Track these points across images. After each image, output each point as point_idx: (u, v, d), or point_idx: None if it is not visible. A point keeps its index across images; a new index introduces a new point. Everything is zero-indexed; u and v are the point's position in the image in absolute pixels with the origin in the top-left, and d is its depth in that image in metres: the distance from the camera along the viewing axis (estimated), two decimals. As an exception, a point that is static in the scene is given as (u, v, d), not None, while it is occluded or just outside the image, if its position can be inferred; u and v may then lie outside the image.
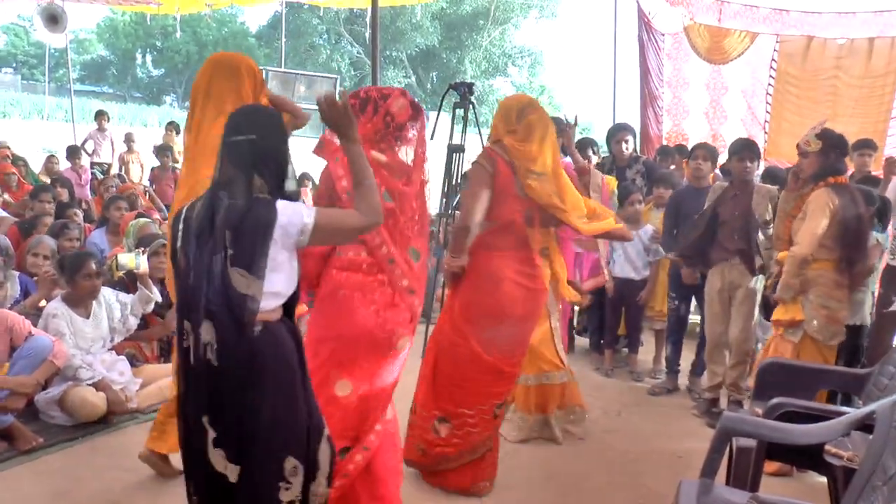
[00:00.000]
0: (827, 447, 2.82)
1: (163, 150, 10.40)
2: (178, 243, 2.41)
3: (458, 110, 5.96)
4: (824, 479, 3.14)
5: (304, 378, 2.45)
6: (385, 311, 2.86)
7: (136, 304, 4.68)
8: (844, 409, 3.23)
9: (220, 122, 2.58)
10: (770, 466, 3.91)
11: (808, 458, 2.97)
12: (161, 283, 5.03)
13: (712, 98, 9.76)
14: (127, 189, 7.68)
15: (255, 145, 2.34)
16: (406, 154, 2.96)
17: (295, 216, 2.32)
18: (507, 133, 3.53)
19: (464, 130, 5.95)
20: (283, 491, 2.36)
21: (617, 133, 6.58)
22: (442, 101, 6.08)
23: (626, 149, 6.44)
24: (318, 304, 2.95)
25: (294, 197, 2.40)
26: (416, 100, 3.00)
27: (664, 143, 9.36)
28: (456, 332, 3.56)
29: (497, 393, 3.60)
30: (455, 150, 6.00)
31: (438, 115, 6.21)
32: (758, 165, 5.00)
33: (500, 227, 3.51)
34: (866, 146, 6.32)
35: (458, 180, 6.72)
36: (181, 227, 2.41)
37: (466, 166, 7.71)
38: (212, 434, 2.34)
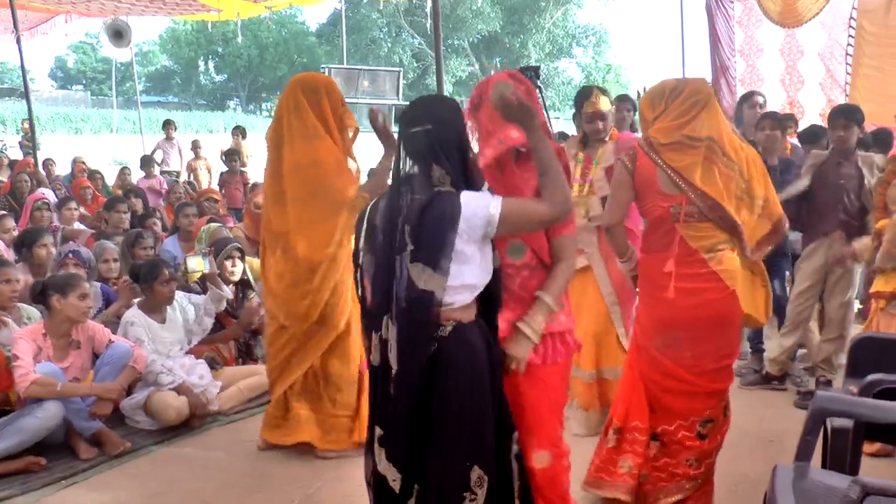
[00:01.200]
0: (930, 424, 2.70)
1: (230, 155, 10.65)
2: (361, 243, 2.46)
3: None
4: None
5: (496, 383, 2.39)
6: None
7: (209, 303, 4.81)
8: (949, 384, 3.07)
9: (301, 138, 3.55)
10: (870, 447, 3.79)
11: (911, 437, 2.85)
12: (237, 285, 5.17)
13: (787, 63, 9.44)
14: (205, 195, 7.85)
15: (431, 135, 2.33)
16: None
17: (480, 208, 2.29)
18: (653, 121, 3.17)
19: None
20: (467, 502, 2.31)
21: (749, 98, 6.15)
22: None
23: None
24: None
25: (478, 187, 2.39)
26: (519, 69, 2.70)
27: (739, 112, 9.11)
28: (640, 341, 3.30)
29: (695, 405, 3.20)
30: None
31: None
32: (860, 131, 4.79)
33: (651, 225, 3.22)
34: None
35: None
36: (364, 227, 2.45)
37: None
38: (378, 432, 2.37)
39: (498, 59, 45.71)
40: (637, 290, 3.43)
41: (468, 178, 2.37)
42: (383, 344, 2.33)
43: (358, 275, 2.49)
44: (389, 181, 2.49)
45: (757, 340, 5.44)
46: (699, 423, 3.20)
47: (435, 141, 2.33)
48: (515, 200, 2.37)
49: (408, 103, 2.54)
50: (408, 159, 2.37)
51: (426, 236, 2.25)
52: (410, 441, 2.31)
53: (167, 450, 4.17)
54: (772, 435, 4.24)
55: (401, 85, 14.29)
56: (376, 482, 2.40)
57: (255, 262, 5.72)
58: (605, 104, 4.21)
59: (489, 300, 2.40)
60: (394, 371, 2.30)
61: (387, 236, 2.33)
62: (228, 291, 5.01)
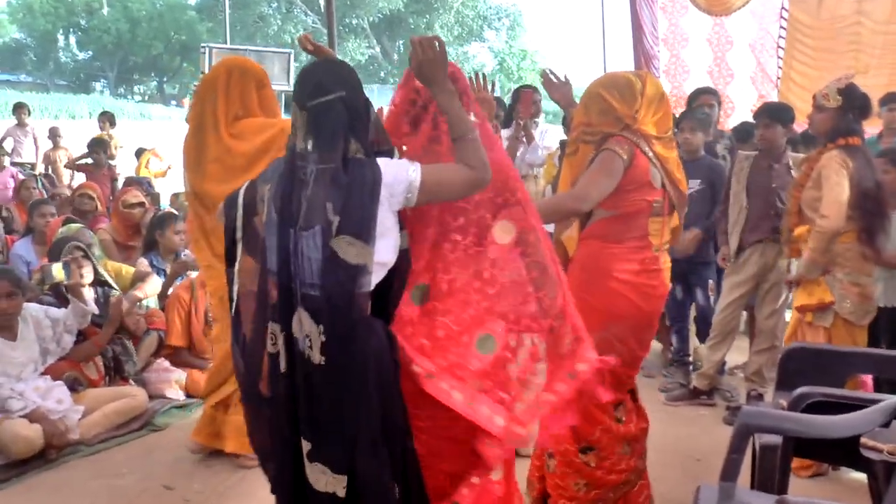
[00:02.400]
0: (863, 440, 2.82)
1: (96, 146, 10.29)
2: (238, 233, 2.40)
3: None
4: (863, 476, 3.16)
5: (397, 384, 2.36)
6: (461, 389, 2.40)
7: (70, 319, 4.64)
8: (880, 395, 3.24)
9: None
10: (805, 472, 3.98)
11: (842, 453, 2.97)
12: (94, 287, 5.00)
13: (716, 55, 9.76)
14: (80, 189, 7.52)
15: (347, 103, 2.32)
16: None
17: (400, 172, 2.30)
18: (634, 114, 3.29)
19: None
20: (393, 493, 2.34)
21: (698, 97, 6.26)
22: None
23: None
24: None
25: (390, 154, 2.39)
26: (454, 71, 2.53)
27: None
28: None
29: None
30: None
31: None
32: (789, 130, 4.99)
33: (620, 216, 3.33)
34: (895, 100, 6.36)
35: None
36: (240, 213, 2.40)
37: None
38: (307, 447, 2.32)
39: (401, 42, 45.77)
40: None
41: (378, 145, 2.38)
42: (293, 344, 2.28)
43: (237, 268, 2.43)
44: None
45: (682, 353, 5.63)
46: (612, 407, 3.40)
47: (351, 109, 2.33)
48: (435, 165, 2.39)
49: (302, 69, 2.48)
50: (315, 132, 2.32)
51: (353, 206, 2.24)
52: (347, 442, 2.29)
53: (15, 488, 3.99)
54: (698, 453, 4.39)
55: (292, 68, 14.10)
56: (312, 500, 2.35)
57: (121, 267, 5.57)
58: None
59: (384, 289, 2.37)
60: (317, 369, 2.25)
61: (285, 216, 2.29)
62: (93, 306, 4.85)
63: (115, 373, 5.06)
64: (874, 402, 2.64)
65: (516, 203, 2.54)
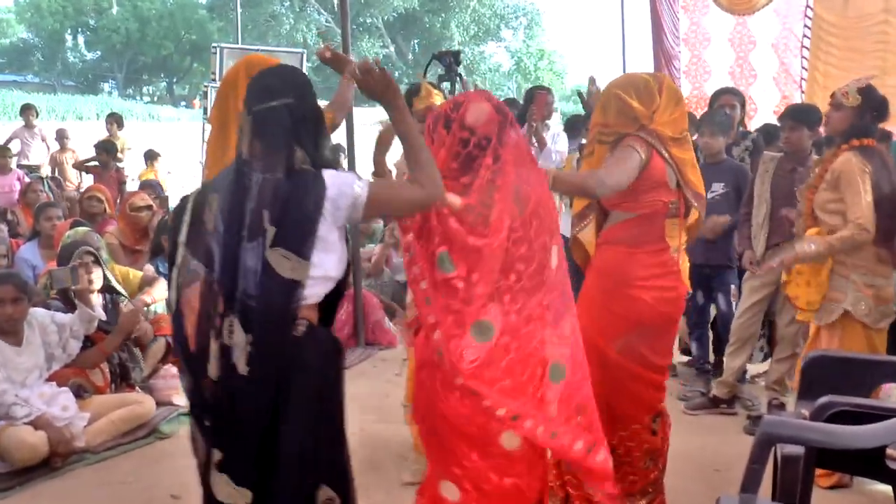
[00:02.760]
0: (889, 451, 2.82)
1: (103, 148, 10.37)
2: (182, 237, 2.41)
3: (444, 84, 5.96)
4: (888, 489, 3.14)
5: (342, 397, 2.44)
6: (472, 399, 2.47)
7: (77, 325, 4.67)
8: (905, 405, 3.23)
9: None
10: (827, 480, 3.96)
11: (866, 464, 2.97)
12: (102, 294, 5.03)
13: (738, 55, 9.75)
14: (89, 192, 7.57)
15: (293, 110, 2.34)
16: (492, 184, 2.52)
17: (345, 187, 2.32)
18: (652, 114, 3.37)
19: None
20: None
21: (720, 98, 6.22)
22: (425, 73, 6.07)
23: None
24: None
25: (336, 166, 2.42)
26: (499, 102, 2.64)
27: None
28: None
29: (650, 401, 3.49)
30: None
31: (421, 89, 6.20)
32: (815, 133, 4.98)
33: (639, 218, 3.40)
34: None
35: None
36: (187, 218, 2.41)
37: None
38: (217, 456, 2.34)
39: (416, 41, 45.90)
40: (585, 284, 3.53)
41: (326, 158, 2.39)
42: (226, 351, 2.28)
43: (175, 274, 2.44)
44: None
45: (703, 360, 5.61)
46: (651, 418, 3.49)
47: (298, 117, 2.34)
48: (383, 182, 2.49)
49: (256, 74, 2.52)
50: (259, 138, 2.33)
51: (292, 219, 2.25)
52: (259, 458, 2.31)
53: (20, 496, 4.01)
54: (718, 464, 4.37)
55: (305, 68, 14.17)
56: None
57: (129, 272, 5.60)
58: (441, 98, 4.19)
59: (330, 302, 2.43)
60: (241, 381, 2.27)
61: (231, 225, 2.30)
62: (101, 311, 4.88)
63: (122, 379, 5.08)
64: (900, 412, 2.63)
65: (557, 228, 2.64)
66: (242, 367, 2.26)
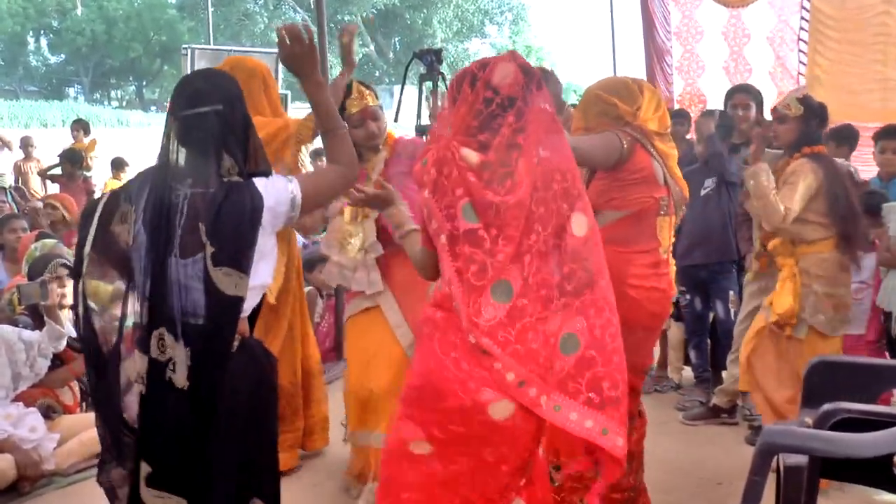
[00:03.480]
0: (896, 459, 2.84)
1: (69, 158, 10.32)
2: (87, 249, 2.46)
3: (425, 83, 5.97)
4: (895, 498, 3.16)
5: (275, 409, 2.53)
6: (470, 363, 2.48)
7: (45, 342, 4.64)
8: (913, 411, 3.25)
9: None
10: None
11: (873, 473, 2.98)
12: (75, 310, 4.99)
13: (732, 49, 9.79)
14: (48, 200, 7.55)
15: (222, 117, 2.36)
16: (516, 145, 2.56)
17: (281, 192, 2.41)
18: (636, 111, 3.50)
19: (434, 107, 5.95)
20: None
21: (733, 96, 6.15)
22: (406, 72, 6.08)
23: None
24: None
25: (267, 173, 2.46)
26: (526, 63, 2.64)
27: (676, 105, 9.41)
28: None
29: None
30: (424, 131, 6.01)
31: (402, 89, 6.21)
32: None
33: (631, 216, 3.51)
34: None
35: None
36: (94, 226, 2.45)
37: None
38: (145, 470, 2.39)
39: (397, 39, 45.94)
40: None
41: (255, 165, 2.43)
42: (156, 366, 2.35)
43: (80, 287, 2.51)
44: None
45: (702, 368, 5.63)
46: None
47: (226, 124, 2.37)
48: (307, 174, 2.62)
49: (182, 77, 2.59)
50: (184, 146, 2.36)
51: (228, 235, 2.29)
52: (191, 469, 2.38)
53: (-11, 522, 4.01)
54: (719, 476, 4.39)
55: (280, 69, 14.14)
56: None
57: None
58: (373, 99, 4.04)
59: (255, 310, 2.51)
60: (178, 394, 2.33)
61: (158, 239, 2.34)
62: (70, 327, 4.85)
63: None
64: (906, 417, 2.65)
65: (584, 195, 2.62)
66: (182, 381, 2.32)
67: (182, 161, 2.35)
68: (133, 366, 4.72)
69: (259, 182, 2.38)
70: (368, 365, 3.91)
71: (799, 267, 4.23)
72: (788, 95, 4.40)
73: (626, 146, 3.42)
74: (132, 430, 2.47)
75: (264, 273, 2.41)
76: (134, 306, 2.45)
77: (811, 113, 4.32)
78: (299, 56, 2.49)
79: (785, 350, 4.33)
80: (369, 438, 3.95)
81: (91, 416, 4.79)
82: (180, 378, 2.31)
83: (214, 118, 2.35)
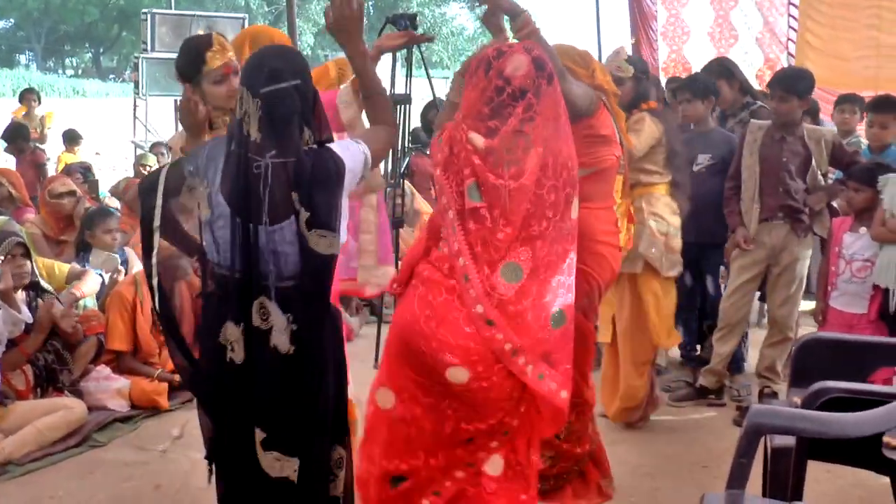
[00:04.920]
0: (886, 439, 2.86)
1: (17, 130, 10.17)
2: (157, 221, 2.67)
3: (399, 49, 5.95)
4: (885, 480, 3.20)
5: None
6: (439, 324, 2.80)
7: (1, 328, 4.60)
8: (904, 389, 3.28)
9: None
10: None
11: (862, 454, 3.02)
12: (26, 290, 4.95)
13: (718, 13, 9.75)
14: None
15: (301, 91, 2.58)
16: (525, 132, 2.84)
17: (356, 154, 2.67)
18: (592, 73, 3.75)
19: (408, 75, 5.94)
20: (332, 485, 2.74)
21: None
22: (379, 38, 6.06)
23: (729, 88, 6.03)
24: None
25: (331, 141, 2.68)
26: (540, 56, 2.90)
27: (661, 73, 9.42)
28: None
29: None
30: (399, 100, 6.00)
31: (375, 56, 6.19)
32: (805, 102, 5.04)
33: (597, 174, 3.71)
34: None
35: (408, 141, 6.71)
36: (160, 200, 2.68)
37: (415, 121, 7.73)
38: (260, 436, 2.60)
39: (371, 3, 45.59)
40: None
41: (323, 133, 2.66)
42: (258, 335, 2.54)
43: (154, 259, 2.69)
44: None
45: (689, 346, 5.66)
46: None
47: (304, 98, 2.58)
48: (368, 132, 2.84)
49: (253, 54, 2.73)
50: (270, 120, 2.51)
51: (321, 199, 2.52)
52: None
53: (-61, 514, 3.99)
54: (705, 459, 4.43)
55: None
56: (261, 487, 2.65)
57: (54, 265, 5.53)
58: (231, 54, 3.65)
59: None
60: (284, 360, 2.54)
61: (243, 208, 2.52)
62: (27, 312, 4.81)
63: (48, 383, 5.00)
64: (896, 396, 2.67)
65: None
66: (286, 346, 2.53)
67: (260, 134, 2.51)
68: (90, 349, 4.78)
69: (336, 147, 2.63)
70: None
71: (634, 205, 4.48)
72: (615, 58, 4.64)
73: (595, 99, 3.63)
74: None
75: (344, 232, 2.63)
76: (208, 278, 2.66)
77: (641, 70, 4.67)
78: (349, 19, 2.78)
79: (623, 287, 4.69)
80: None
81: (46, 401, 4.79)
82: (284, 344, 2.52)
83: (294, 92, 2.55)
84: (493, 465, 2.93)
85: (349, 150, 2.64)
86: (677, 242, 4.66)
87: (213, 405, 2.77)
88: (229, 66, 3.42)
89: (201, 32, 3.65)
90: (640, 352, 4.73)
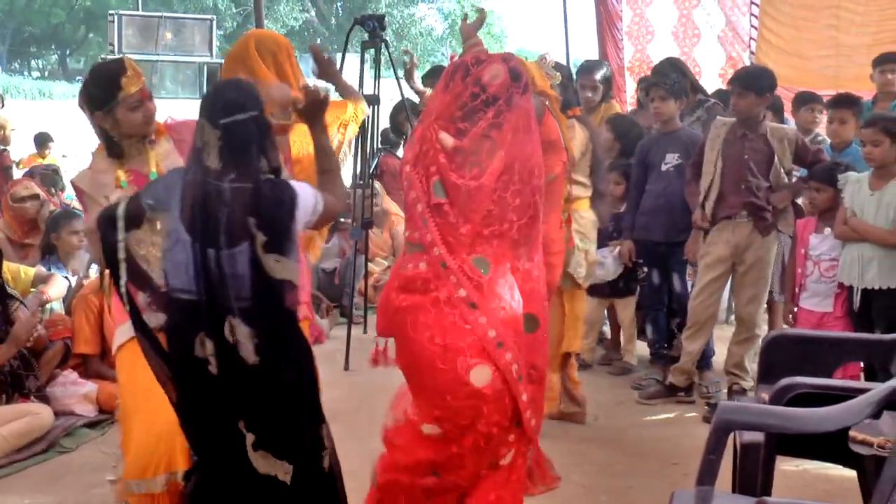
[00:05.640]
0: (852, 433, 2.87)
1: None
2: (122, 254, 2.72)
3: (368, 51, 5.93)
4: (852, 473, 3.22)
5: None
6: (443, 336, 2.84)
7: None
8: (869, 385, 3.30)
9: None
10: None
11: (829, 448, 3.04)
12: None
13: (681, 12, 9.77)
14: None
15: (259, 123, 2.69)
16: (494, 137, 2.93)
17: (307, 195, 2.74)
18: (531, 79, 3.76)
19: (377, 76, 5.92)
20: (324, 458, 2.81)
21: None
22: (347, 40, 6.05)
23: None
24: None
25: (278, 173, 2.76)
26: (517, 66, 3.00)
27: (626, 73, 9.47)
28: None
29: None
30: (368, 101, 5.96)
31: (344, 57, 6.18)
32: (764, 100, 5.04)
33: (549, 184, 3.68)
34: (889, 60, 6.38)
35: (377, 142, 6.69)
36: (122, 230, 2.72)
37: (384, 122, 7.71)
38: (251, 438, 2.70)
39: (339, 4, 45.50)
40: None
41: (274, 164, 2.74)
42: (226, 349, 2.63)
43: (123, 285, 2.76)
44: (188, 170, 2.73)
45: (659, 344, 5.67)
46: None
47: (262, 128, 2.69)
48: (323, 193, 2.86)
49: (213, 84, 2.78)
50: (230, 150, 2.61)
51: (275, 225, 2.62)
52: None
53: None
54: (675, 457, 4.43)
55: (215, 37, 13.92)
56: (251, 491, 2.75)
57: (20, 269, 5.45)
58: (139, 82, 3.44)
59: None
60: (253, 370, 2.64)
61: (202, 233, 2.59)
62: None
63: (14, 389, 4.93)
64: (863, 391, 2.69)
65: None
66: (251, 358, 2.63)
67: (220, 163, 2.60)
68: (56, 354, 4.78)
69: (293, 182, 2.75)
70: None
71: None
72: (543, 64, 4.54)
73: (540, 105, 3.77)
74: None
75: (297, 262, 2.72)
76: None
77: (567, 77, 4.76)
78: (318, 106, 3.02)
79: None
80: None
81: (12, 408, 4.74)
82: (249, 355, 2.62)
83: (252, 123, 2.66)
84: (506, 458, 3.01)
85: (303, 190, 2.75)
86: (594, 255, 4.86)
87: (194, 412, 2.83)
88: (145, 90, 3.38)
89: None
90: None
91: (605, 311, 6.25)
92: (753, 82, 5.02)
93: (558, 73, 4.51)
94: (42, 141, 11.77)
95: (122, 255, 2.74)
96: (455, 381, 2.81)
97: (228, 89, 2.76)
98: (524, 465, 3.09)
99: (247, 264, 2.59)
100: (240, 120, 2.64)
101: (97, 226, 2.82)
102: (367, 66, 6.02)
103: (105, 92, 3.24)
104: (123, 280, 2.76)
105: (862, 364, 4.38)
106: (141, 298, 2.80)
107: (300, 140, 4.41)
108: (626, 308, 6.06)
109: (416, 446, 2.92)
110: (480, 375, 2.82)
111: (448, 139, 2.89)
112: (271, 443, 2.73)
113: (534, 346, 2.95)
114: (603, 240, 5.77)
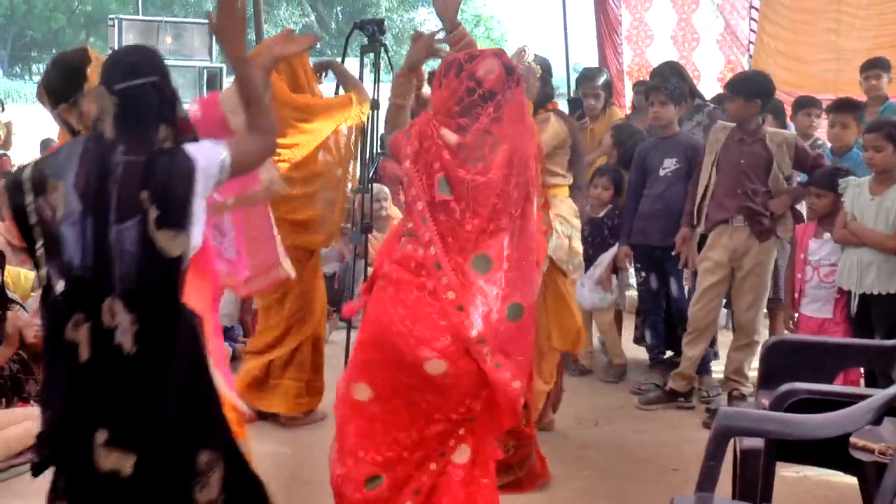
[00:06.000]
0: (852, 439, 2.87)
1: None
2: (34, 217, 2.53)
3: (367, 55, 5.91)
4: (853, 480, 3.21)
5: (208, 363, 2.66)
6: (414, 322, 2.91)
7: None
8: (870, 391, 3.30)
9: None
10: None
11: (830, 454, 3.03)
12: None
13: (680, 16, 9.76)
14: None
15: (159, 89, 2.55)
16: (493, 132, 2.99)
17: (212, 155, 2.57)
18: None
19: (376, 80, 5.90)
20: (199, 490, 2.54)
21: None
22: (346, 44, 6.03)
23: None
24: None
25: (195, 141, 2.62)
26: (510, 61, 3.06)
27: (626, 77, 9.47)
28: None
29: None
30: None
31: (343, 61, 6.16)
32: (754, 104, 4.99)
33: None
34: (874, 66, 6.43)
35: (378, 146, 6.68)
36: (31, 196, 2.52)
37: (383, 126, 7.70)
38: (103, 436, 2.50)
39: (339, 8, 45.54)
40: None
41: (184, 133, 2.61)
42: (103, 334, 2.46)
43: (39, 251, 2.58)
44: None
45: (658, 349, 5.66)
46: None
47: (164, 96, 2.56)
48: (235, 138, 2.73)
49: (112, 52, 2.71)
50: (126, 117, 2.50)
51: (172, 198, 2.46)
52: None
53: None
54: (675, 462, 4.43)
55: (215, 41, 13.91)
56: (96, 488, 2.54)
57: (20, 273, 5.44)
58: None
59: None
60: (127, 359, 2.46)
61: (95, 207, 2.47)
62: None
63: (13, 393, 4.93)
64: (864, 397, 2.68)
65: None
66: (129, 346, 2.45)
67: (115, 132, 2.49)
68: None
69: (189, 147, 2.54)
70: None
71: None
72: (524, 57, 4.56)
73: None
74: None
75: (196, 236, 2.54)
76: (59, 279, 2.54)
77: (546, 71, 4.69)
78: (231, 24, 2.71)
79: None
80: None
81: (12, 412, 4.72)
82: (127, 343, 2.44)
83: (151, 89, 2.53)
84: (461, 454, 3.05)
85: (203, 150, 2.57)
86: (579, 245, 4.72)
87: (61, 402, 2.62)
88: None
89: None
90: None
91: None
92: (740, 87, 5.04)
93: (538, 67, 4.53)
94: (48, 147, 11.77)
95: (33, 219, 2.57)
96: (409, 364, 2.91)
97: (128, 54, 2.66)
98: (492, 467, 3.14)
99: (135, 240, 2.44)
100: (136, 85, 2.51)
101: (3, 189, 2.68)
102: (366, 70, 6.01)
103: (71, 83, 3.11)
104: (39, 244, 2.58)
105: (862, 370, 4.38)
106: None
107: (300, 140, 4.41)
108: (603, 315, 6.04)
109: (348, 421, 3.05)
110: (436, 367, 2.90)
111: (451, 136, 2.95)
112: (126, 440, 2.52)
113: (517, 336, 2.98)
114: (598, 245, 5.80)
